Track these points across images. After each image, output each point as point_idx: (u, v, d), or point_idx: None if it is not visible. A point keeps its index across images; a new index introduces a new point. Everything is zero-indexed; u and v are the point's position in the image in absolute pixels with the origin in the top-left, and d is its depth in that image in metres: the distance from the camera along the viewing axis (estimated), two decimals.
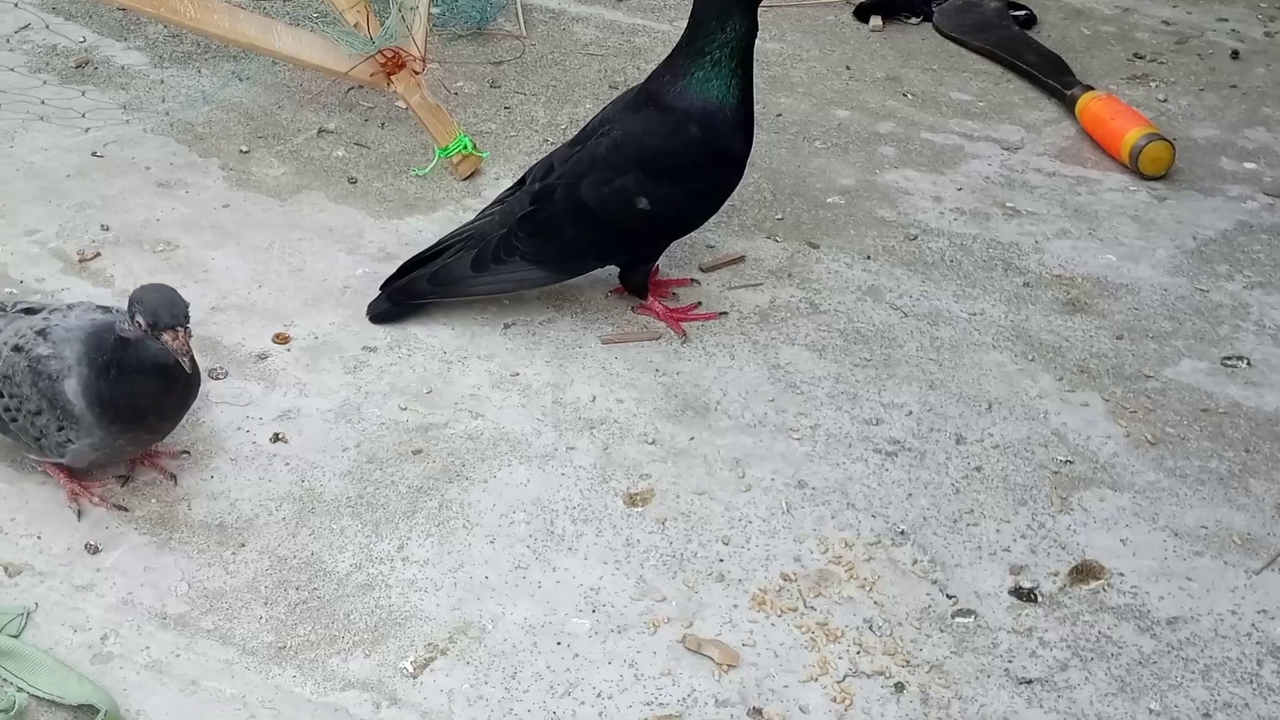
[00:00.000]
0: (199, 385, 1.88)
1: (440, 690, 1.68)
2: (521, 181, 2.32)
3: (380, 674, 1.69)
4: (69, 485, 1.91)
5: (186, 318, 1.73)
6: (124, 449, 1.90)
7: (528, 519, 1.93)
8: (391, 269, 2.34)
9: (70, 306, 1.90)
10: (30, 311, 1.91)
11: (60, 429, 1.82)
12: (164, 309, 1.71)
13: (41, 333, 1.84)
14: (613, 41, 3.19)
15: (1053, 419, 2.12)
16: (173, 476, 1.95)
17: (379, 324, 2.26)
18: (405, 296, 2.26)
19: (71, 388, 1.80)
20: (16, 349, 1.83)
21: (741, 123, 2.18)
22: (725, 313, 2.33)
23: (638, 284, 2.31)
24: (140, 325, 1.71)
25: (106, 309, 1.90)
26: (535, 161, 2.35)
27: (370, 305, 2.28)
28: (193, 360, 1.76)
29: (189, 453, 1.99)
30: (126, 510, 1.91)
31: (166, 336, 1.71)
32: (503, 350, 2.23)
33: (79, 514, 1.89)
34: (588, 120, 2.35)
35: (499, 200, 2.34)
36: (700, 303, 2.35)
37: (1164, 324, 2.33)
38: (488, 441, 2.05)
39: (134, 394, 1.80)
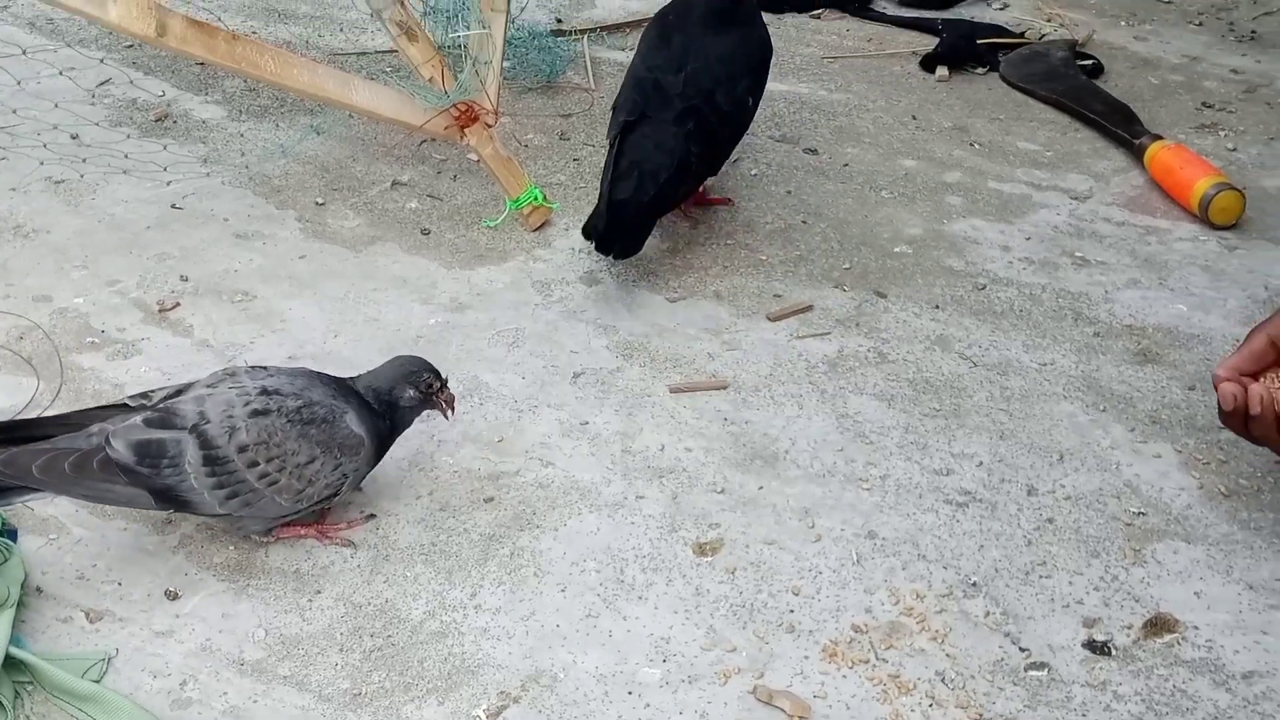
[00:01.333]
0: None
1: None
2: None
3: None
4: (309, 532, 1.97)
5: None
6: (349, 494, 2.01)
7: (598, 567, 1.94)
8: (464, 318, 2.40)
9: (216, 380, 1.91)
10: (179, 393, 1.90)
11: (336, 468, 1.89)
12: (438, 373, 1.99)
13: (266, 392, 1.88)
14: None
15: (1125, 470, 2.11)
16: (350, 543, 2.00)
17: (621, 258, 2.51)
18: (640, 230, 2.47)
19: (354, 419, 1.90)
20: (258, 412, 1.85)
21: None
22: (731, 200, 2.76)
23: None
24: (428, 388, 1.97)
25: (236, 371, 1.95)
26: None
27: (604, 244, 2.45)
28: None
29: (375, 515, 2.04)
30: (355, 545, 1.97)
31: (445, 395, 1.99)
32: (572, 399, 2.26)
33: (353, 545, 1.97)
34: None
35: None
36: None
37: None
38: (558, 490, 2.07)
39: (389, 442, 1.99)
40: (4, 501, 1.85)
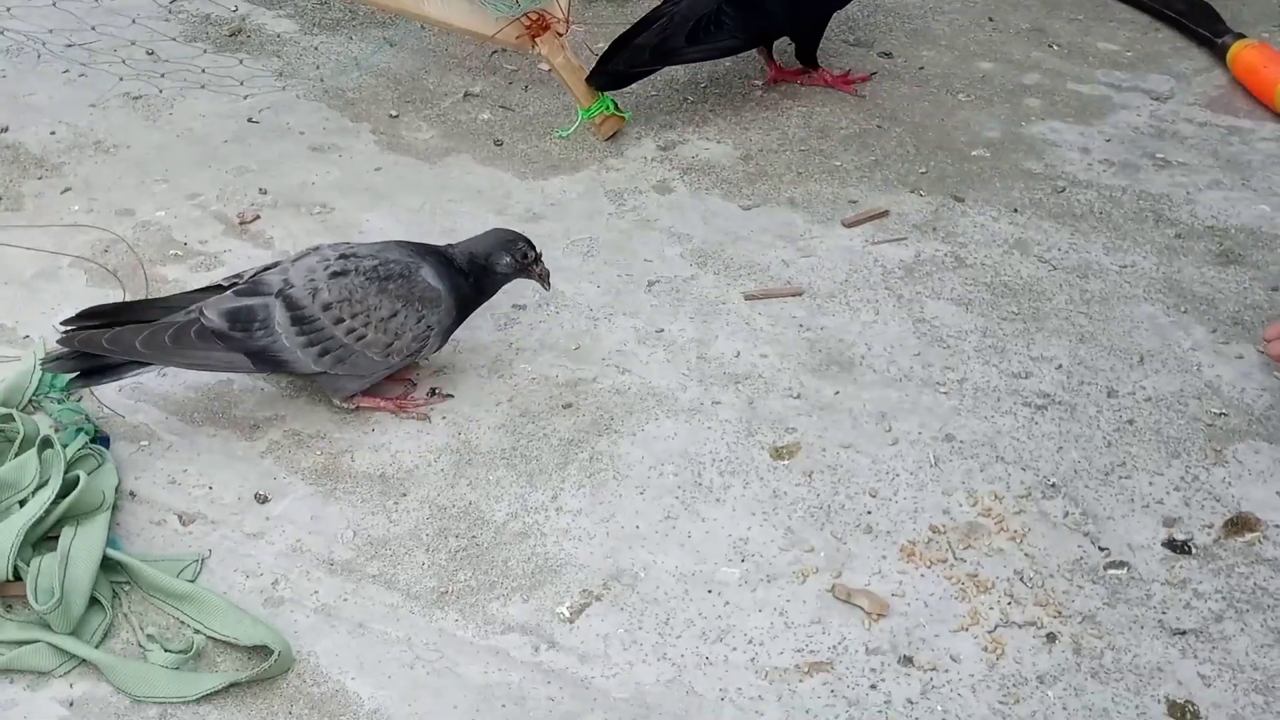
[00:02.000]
0: None
1: (596, 634, 1.73)
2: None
3: (538, 618, 1.75)
4: (388, 405, 2.05)
5: None
6: (436, 350, 2.06)
7: (676, 471, 1.96)
8: (538, 228, 2.40)
9: (301, 255, 2.00)
10: (268, 269, 1.98)
11: (420, 319, 1.96)
12: (534, 245, 2.05)
13: (345, 256, 1.97)
14: None
15: (1206, 371, 2.09)
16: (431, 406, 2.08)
17: (603, 89, 2.66)
18: (629, 66, 2.64)
19: (429, 273, 1.97)
20: (337, 274, 1.94)
21: None
22: (875, 72, 2.86)
23: (810, 56, 2.81)
24: (524, 257, 2.04)
25: (320, 246, 2.03)
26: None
27: (592, 75, 2.64)
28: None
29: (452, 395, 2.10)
30: (430, 419, 2.04)
31: (541, 268, 2.06)
32: (647, 307, 2.27)
33: (429, 419, 2.04)
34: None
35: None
36: (850, 69, 2.87)
37: None
38: (635, 396, 2.09)
39: (472, 303, 2.05)
40: (114, 377, 1.96)
